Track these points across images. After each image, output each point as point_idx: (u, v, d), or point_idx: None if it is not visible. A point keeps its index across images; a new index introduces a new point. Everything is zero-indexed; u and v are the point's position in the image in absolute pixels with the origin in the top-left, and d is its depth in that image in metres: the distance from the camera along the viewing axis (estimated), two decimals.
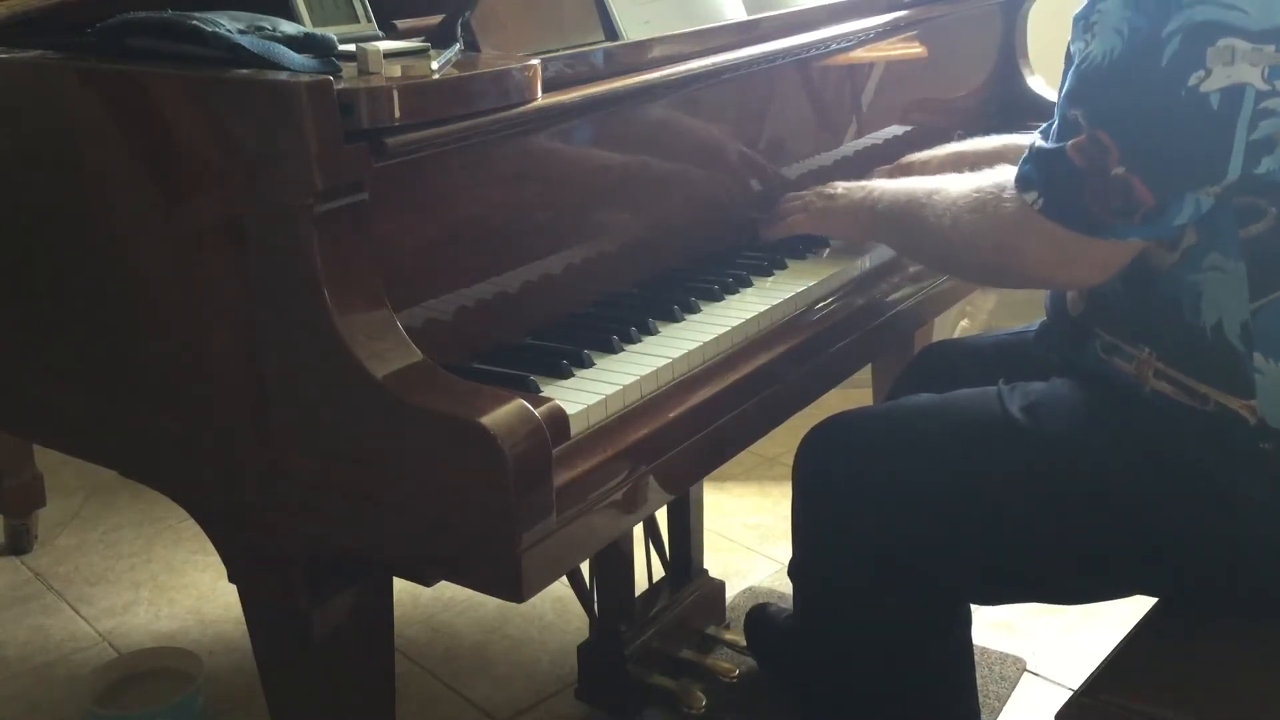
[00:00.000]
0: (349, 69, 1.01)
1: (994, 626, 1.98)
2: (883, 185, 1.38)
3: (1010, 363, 1.37)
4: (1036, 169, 1.09)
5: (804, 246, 1.46)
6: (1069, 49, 1.09)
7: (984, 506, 1.19)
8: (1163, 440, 1.13)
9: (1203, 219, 1.05)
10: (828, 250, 1.47)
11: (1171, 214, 1.03)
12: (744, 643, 1.82)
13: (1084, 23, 1.06)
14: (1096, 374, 1.19)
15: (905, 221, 1.29)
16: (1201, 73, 0.99)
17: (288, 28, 1.05)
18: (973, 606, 1.35)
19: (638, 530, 1.78)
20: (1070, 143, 1.05)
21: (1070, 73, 1.08)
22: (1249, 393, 1.08)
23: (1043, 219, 1.08)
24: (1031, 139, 1.12)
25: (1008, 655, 1.93)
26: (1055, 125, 1.09)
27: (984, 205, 1.15)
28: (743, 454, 1.29)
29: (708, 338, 1.19)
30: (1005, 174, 1.16)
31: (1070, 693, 1.16)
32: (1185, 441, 1.12)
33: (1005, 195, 1.13)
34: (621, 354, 1.15)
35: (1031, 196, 1.09)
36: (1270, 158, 1.01)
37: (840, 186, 1.43)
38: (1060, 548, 1.18)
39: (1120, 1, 1.02)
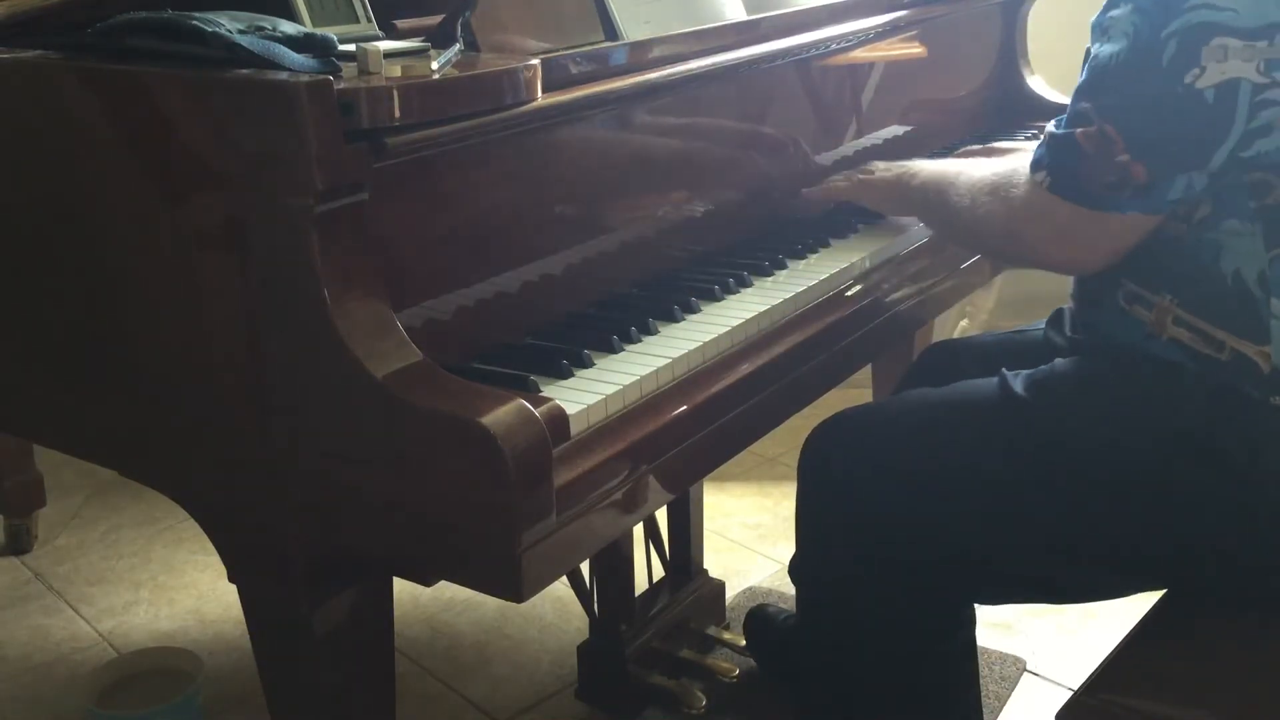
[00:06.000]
0: (349, 69, 1.01)
1: (994, 626, 1.98)
2: (919, 164, 1.49)
3: (1014, 359, 1.38)
4: (1048, 152, 1.18)
5: (804, 246, 1.46)
6: (1088, 49, 1.17)
7: (987, 489, 1.20)
8: (1169, 404, 1.15)
9: (1217, 194, 1.12)
10: (827, 249, 1.47)
11: (1163, 190, 1.11)
12: (744, 643, 1.82)
13: (1100, 28, 1.15)
14: (1107, 339, 1.22)
15: (934, 200, 1.39)
16: (1197, 70, 1.07)
17: (288, 28, 1.05)
18: (975, 607, 1.35)
19: (638, 530, 1.78)
20: (1080, 130, 1.14)
21: (1085, 68, 1.16)
22: (1264, 338, 1.12)
23: (1048, 196, 1.17)
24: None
25: (1008, 655, 1.93)
26: (1068, 113, 1.17)
27: (997, 189, 1.25)
28: (743, 454, 1.29)
29: (707, 338, 1.19)
30: (1020, 160, 1.24)
31: (1070, 693, 1.16)
32: (1193, 403, 1.14)
33: (1017, 180, 1.22)
34: (621, 354, 1.15)
35: (1040, 176, 1.18)
36: (1265, 140, 1.08)
37: (879, 165, 1.55)
38: (1065, 528, 1.19)
39: (1129, 8, 1.11)
